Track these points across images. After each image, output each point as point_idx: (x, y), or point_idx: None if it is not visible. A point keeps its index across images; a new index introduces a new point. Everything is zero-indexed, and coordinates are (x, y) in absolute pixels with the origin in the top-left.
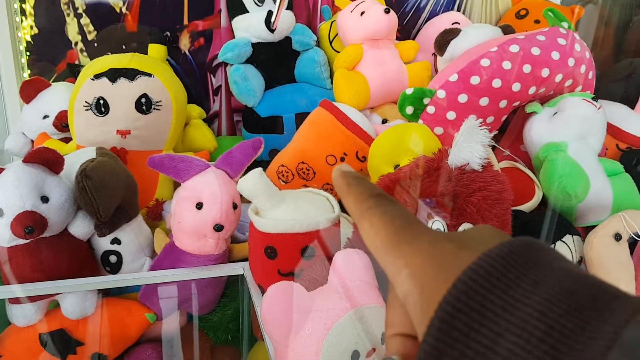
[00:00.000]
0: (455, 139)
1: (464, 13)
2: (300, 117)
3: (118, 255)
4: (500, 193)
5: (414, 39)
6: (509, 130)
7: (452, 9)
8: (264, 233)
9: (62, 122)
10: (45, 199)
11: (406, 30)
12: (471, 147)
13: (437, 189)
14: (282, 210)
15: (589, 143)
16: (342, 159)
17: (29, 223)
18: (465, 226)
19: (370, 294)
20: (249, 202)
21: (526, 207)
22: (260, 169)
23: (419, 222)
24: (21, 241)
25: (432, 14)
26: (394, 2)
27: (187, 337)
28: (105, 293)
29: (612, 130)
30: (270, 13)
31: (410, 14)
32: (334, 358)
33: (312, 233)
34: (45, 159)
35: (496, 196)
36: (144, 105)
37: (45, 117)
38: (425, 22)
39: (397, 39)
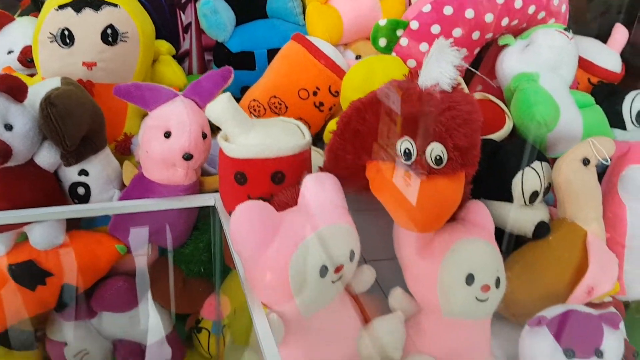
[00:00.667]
0: (425, 60)
1: None
2: (272, 53)
3: (86, 187)
4: (470, 114)
5: None
6: (482, 64)
7: None
8: (233, 159)
9: (27, 57)
10: (8, 127)
11: None
12: (441, 67)
13: (407, 109)
14: (252, 136)
15: (561, 74)
16: (315, 93)
17: None
18: (433, 146)
19: (340, 215)
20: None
21: (496, 136)
22: (228, 93)
23: None
24: None
25: None
26: None
27: (159, 269)
28: (75, 228)
29: (584, 64)
30: None
31: None
32: (302, 273)
33: (282, 158)
34: (8, 86)
35: (465, 116)
36: (110, 36)
37: (10, 52)
38: None
39: None
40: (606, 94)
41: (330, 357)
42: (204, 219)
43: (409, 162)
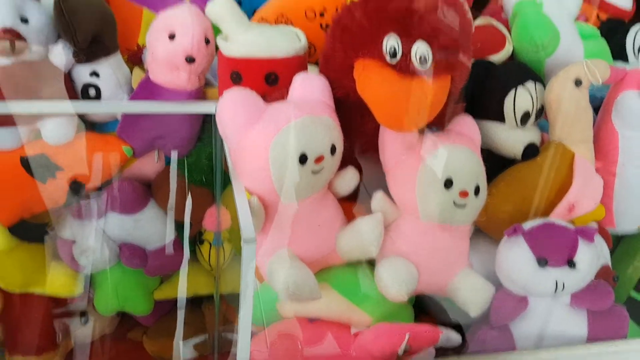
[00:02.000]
0: None
1: None
2: None
3: (97, 89)
4: (460, 16)
5: None
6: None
7: None
8: (229, 58)
9: None
10: (24, 20)
11: None
12: None
13: (396, 6)
14: (249, 36)
15: (566, 4)
16: (322, 14)
17: (9, 37)
18: (418, 45)
19: (324, 109)
20: None
21: (495, 58)
22: None
23: None
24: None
25: None
26: None
27: (163, 177)
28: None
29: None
30: None
31: None
32: (282, 157)
33: (277, 60)
34: None
35: (453, 18)
36: None
37: None
38: None
39: None
40: (612, 28)
41: (308, 249)
42: (208, 131)
43: (394, 61)
